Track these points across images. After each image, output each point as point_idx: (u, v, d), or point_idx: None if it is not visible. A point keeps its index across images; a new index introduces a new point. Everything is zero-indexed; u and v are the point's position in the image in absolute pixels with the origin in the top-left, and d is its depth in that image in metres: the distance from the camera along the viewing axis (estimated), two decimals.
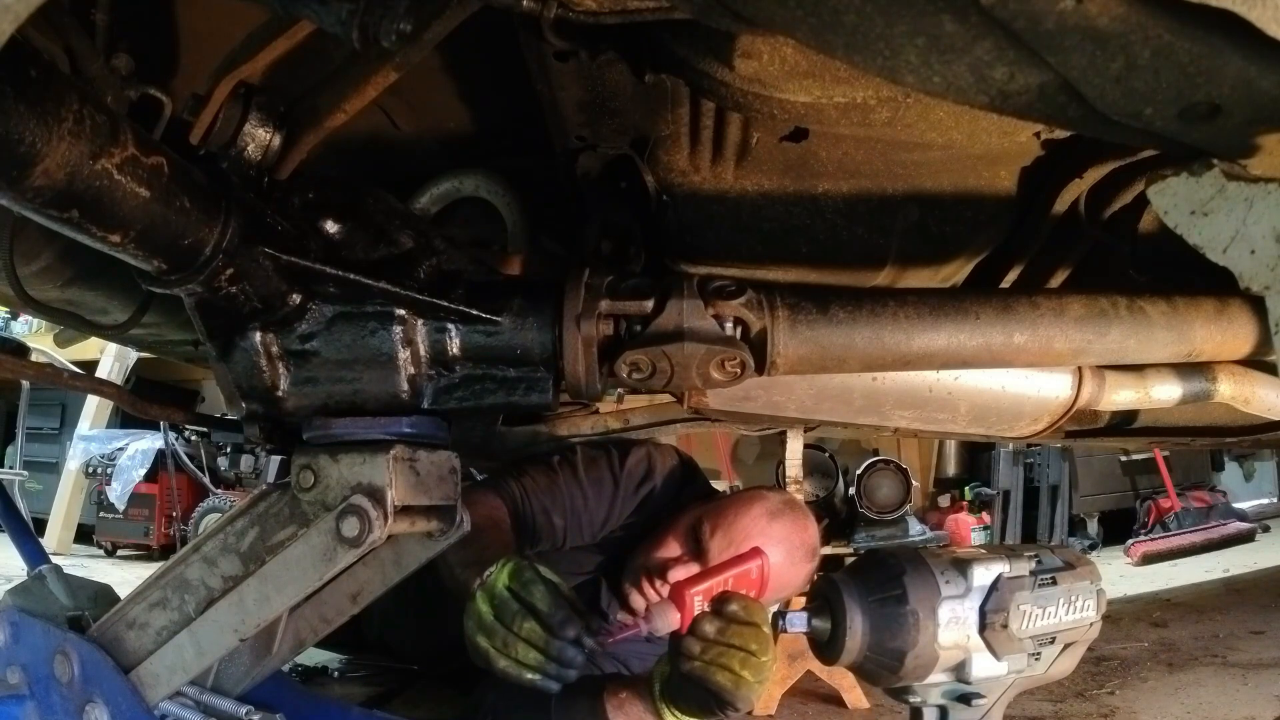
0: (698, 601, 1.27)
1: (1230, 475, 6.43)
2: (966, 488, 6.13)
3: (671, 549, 1.65)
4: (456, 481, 1.11)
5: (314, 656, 2.34)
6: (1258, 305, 1.05)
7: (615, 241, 1.27)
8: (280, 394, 1.01)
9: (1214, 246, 0.83)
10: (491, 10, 0.88)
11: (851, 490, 2.73)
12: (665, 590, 1.53)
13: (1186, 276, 1.06)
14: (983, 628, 1.07)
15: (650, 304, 0.98)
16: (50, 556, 1.42)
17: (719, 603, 1.22)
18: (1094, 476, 6.05)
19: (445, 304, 0.98)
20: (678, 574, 1.54)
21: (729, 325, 0.99)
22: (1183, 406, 1.39)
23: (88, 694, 1.13)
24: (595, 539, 1.78)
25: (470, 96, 1.28)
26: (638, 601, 1.62)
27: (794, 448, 2.26)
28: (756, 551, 1.39)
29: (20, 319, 5.14)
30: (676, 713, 1.28)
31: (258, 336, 0.98)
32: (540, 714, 1.34)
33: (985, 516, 5.88)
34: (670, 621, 1.26)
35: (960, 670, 1.09)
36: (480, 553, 1.32)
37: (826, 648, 1.10)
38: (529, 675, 1.19)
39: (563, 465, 1.77)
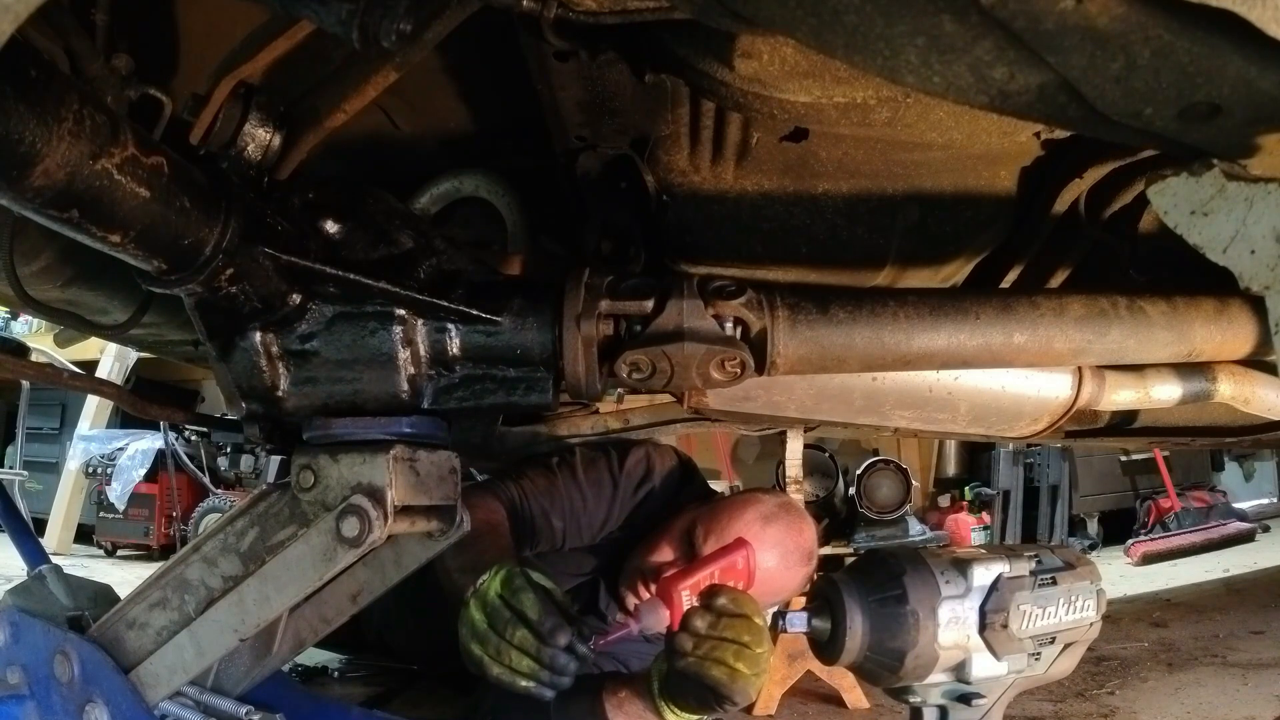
0: (686, 597, 1.27)
1: (1230, 475, 6.43)
2: (966, 488, 6.13)
3: (665, 553, 1.65)
4: (456, 481, 1.11)
5: (314, 656, 2.34)
6: (1258, 305, 1.05)
7: (615, 241, 1.27)
8: (280, 394, 1.01)
9: (1214, 246, 0.83)
10: (491, 10, 0.88)
11: (851, 490, 2.73)
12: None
13: (1186, 276, 1.06)
14: (983, 628, 1.07)
15: (650, 304, 0.98)
16: (50, 556, 1.42)
17: (708, 596, 1.22)
18: (1094, 476, 6.05)
19: (445, 304, 0.98)
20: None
21: (729, 325, 0.99)
22: (1183, 406, 1.39)
23: (88, 694, 1.13)
24: (594, 540, 1.77)
25: (470, 96, 1.28)
26: (632, 604, 1.62)
27: (794, 448, 2.27)
28: (741, 542, 1.39)
29: (20, 319, 5.13)
30: (675, 709, 1.29)
31: (258, 336, 0.98)
32: (539, 714, 1.34)
33: (985, 516, 5.88)
34: (660, 619, 1.26)
35: (960, 670, 1.09)
36: (476, 558, 1.32)
37: (826, 648, 1.10)
38: (523, 683, 1.19)
39: (562, 467, 1.77)
